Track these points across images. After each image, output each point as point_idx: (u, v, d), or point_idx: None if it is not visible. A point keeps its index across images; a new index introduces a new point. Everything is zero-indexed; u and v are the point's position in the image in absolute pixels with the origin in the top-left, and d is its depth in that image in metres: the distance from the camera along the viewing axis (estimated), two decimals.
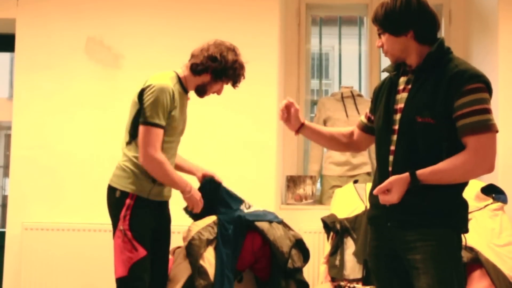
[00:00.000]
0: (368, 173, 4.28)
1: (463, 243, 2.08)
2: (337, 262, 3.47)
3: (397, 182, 1.99)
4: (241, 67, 2.78)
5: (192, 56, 2.76)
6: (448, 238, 2.02)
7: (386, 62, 4.50)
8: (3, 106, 4.70)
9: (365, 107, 4.27)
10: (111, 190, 2.69)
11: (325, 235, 3.68)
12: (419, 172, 1.96)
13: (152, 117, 2.56)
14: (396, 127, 2.09)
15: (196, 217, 3.06)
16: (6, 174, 5.95)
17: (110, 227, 2.72)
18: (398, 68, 2.19)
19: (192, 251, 2.96)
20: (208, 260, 3.05)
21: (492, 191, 3.49)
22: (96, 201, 3.93)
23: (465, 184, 2.07)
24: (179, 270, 2.98)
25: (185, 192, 2.76)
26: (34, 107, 4.04)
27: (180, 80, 2.74)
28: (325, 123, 4.35)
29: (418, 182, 1.96)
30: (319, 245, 3.95)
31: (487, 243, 3.21)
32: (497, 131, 1.97)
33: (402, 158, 2.06)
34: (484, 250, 3.14)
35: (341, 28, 4.87)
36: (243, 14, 4.04)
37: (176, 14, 4.06)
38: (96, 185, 3.94)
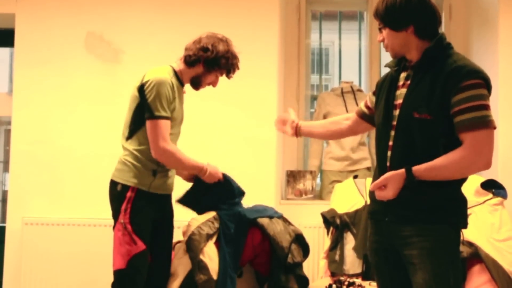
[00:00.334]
0: (368, 168, 4.28)
1: (461, 238, 2.08)
2: (337, 257, 3.48)
3: (392, 178, 1.99)
4: (234, 56, 2.79)
5: (186, 49, 2.80)
6: (445, 234, 2.01)
7: (386, 57, 4.49)
8: (3, 101, 4.70)
9: None
10: (113, 184, 2.73)
11: (325, 230, 3.69)
12: (415, 168, 1.96)
13: (158, 111, 2.60)
14: (395, 122, 2.09)
15: (195, 209, 3.07)
16: (6, 169, 5.96)
17: (111, 222, 2.73)
18: (399, 63, 2.19)
19: (192, 246, 2.96)
20: (208, 255, 3.05)
21: (492, 186, 3.49)
22: (96, 196, 3.92)
23: (463, 180, 2.07)
24: (179, 265, 2.98)
25: (203, 172, 2.84)
26: (34, 102, 4.04)
27: (176, 74, 2.77)
28: (325, 118, 4.35)
29: (414, 178, 1.96)
30: (319, 240, 3.96)
31: (486, 238, 3.22)
32: (494, 128, 1.96)
33: (400, 153, 2.06)
34: (483, 245, 3.15)
35: (341, 23, 4.86)
36: (243, 9, 4.04)
37: (176, 9, 4.05)
38: (96, 179, 3.95)
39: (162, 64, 2.80)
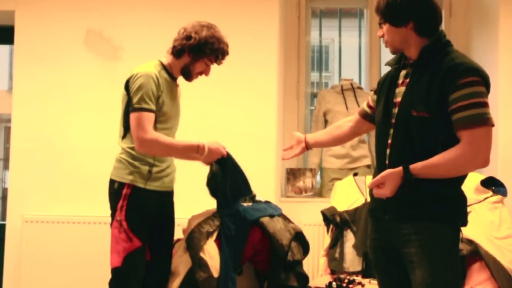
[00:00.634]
0: (368, 166, 4.28)
1: (461, 236, 2.08)
2: (337, 255, 3.48)
3: (390, 176, 1.99)
4: (219, 41, 2.72)
5: (172, 41, 2.78)
6: (443, 232, 2.02)
7: (386, 54, 4.49)
8: (3, 99, 4.69)
9: (365, 99, 4.25)
10: (110, 183, 2.72)
11: (325, 228, 3.69)
12: (412, 166, 1.97)
13: (139, 103, 2.57)
14: (394, 120, 2.09)
15: (219, 199, 2.99)
16: (6, 166, 5.95)
17: (110, 219, 2.73)
18: (399, 61, 2.19)
19: (192, 243, 2.97)
20: (209, 252, 3.05)
21: (492, 184, 3.50)
22: (96, 194, 3.93)
23: (462, 177, 2.07)
24: (179, 263, 2.99)
25: (200, 150, 2.71)
26: (33, 100, 4.03)
27: (165, 67, 2.74)
28: (325, 115, 4.35)
29: (411, 176, 1.96)
30: (318, 237, 3.96)
31: (486, 236, 3.22)
32: (492, 125, 1.95)
33: (398, 151, 2.06)
34: (483, 242, 3.15)
35: (341, 20, 4.85)
36: (243, 6, 4.03)
37: (175, 5, 4.05)
38: (96, 177, 3.94)
39: None
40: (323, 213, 3.65)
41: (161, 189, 2.76)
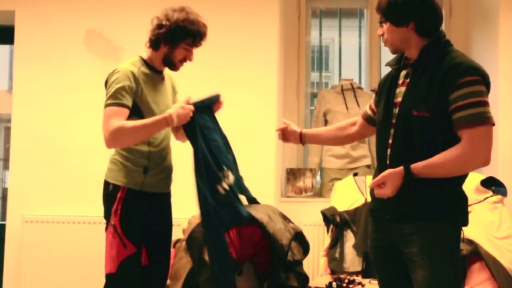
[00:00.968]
0: (368, 166, 4.28)
1: (462, 236, 2.08)
2: (337, 255, 3.48)
3: (391, 176, 1.99)
4: (192, 23, 2.56)
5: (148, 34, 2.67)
6: (445, 232, 2.02)
7: (386, 54, 4.49)
8: (3, 99, 4.70)
9: (365, 99, 4.27)
10: (105, 184, 2.62)
11: (325, 228, 3.69)
12: (413, 165, 1.97)
13: (108, 99, 2.47)
14: (394, 120, 2.09)
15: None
16: (6, 166, 5.96)
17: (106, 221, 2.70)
18: (400, 62, 2.19)
19: (193, 244, 2.97)
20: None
21: (492, 184, 3.50)
22: (96, 194, 3.88)
23: (463, 177, 2.07)
24: (180, 265, 2.98)
25: (170, 119, 2.46)
26: (33, 100, 4.03)
27: (146, 62, 2.62)
28: (325, 115, 4.35)
29: (412, 175, 1.97)
30: (319, 237, 3.96)
31: (486, 236, 3.22)
32: (493, 124, 1.96)
33: (399, 151, 2.06)
34: (483, 242, 3.15)
35: (341, 20, 4.85)
36: (243, 6, 4.03)
37: (175, 5, 4.04)
38: (96, 177, 3.91)
39: None
40: (323, 213, 3.65)
41: (158, 190, 2.66)
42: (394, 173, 1.99)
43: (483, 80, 1.97)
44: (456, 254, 2.05)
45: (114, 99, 2.46)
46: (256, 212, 3.27)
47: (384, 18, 2.12)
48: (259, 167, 3.94)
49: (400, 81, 2.14)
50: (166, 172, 2.71)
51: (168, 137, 2.74)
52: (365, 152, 4.32)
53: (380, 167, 2.13)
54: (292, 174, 4.29)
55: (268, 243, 3.17)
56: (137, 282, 2.58)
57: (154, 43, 2.59)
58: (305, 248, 3.36)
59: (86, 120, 4.00)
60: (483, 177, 3.50)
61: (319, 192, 4.37)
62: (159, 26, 2.56)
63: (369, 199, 2.28)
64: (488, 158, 1.95)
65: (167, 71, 2.73)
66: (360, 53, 4.81)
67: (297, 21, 4.55)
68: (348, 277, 3.29)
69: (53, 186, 3.98)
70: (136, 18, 4.04)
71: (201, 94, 3.93)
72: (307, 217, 4.02)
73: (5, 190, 6.02)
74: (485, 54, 4.06)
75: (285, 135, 2.60)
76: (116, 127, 2.41)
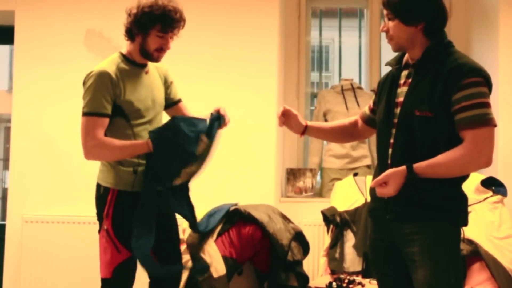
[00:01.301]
0: (368, 166, 4.28)
1: (462, 236, 2.08)
2: (337, 255, 3.48)
3: (393, 175, 1.99)
4: (159, 8, 2.42)
5: None
6: (446, 231, 2.02)
7: (386, 54, 4.49)
8: (3, 99, 4.69)
9: (365, 99, 4.27)
10: (97, 187, 2.57)
11: (325, 228, 3.69)
12: (416, 165, 1.97)
13: (86, 106, 2.41)
14: (396, 120, 2.09)
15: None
16: (6, 167, 5.95)
17: None
18: (400, 61, 2.18)
19: (192, 243, 2.97)
20: (209, 252, 3.06)
21: (492, 184, 3.50)
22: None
23: (464, 177, 2.07)
24: None
25: (150, 147, 2.44)
26: (33, 100, 4.03)
27: (126, 57, 2.53)
28: (325, 115, 4.35)
29: (415, 175, 1.96)
30: (319, 237, 3.96)
31: (486, 236, 3.22)
32: (495, 125, 1.97)
33: (400, 151, 2.06)
34: (483, 242, 3.15)
35: (341, 20, 4.85)
36: (243, 6, 4.03)
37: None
38: (95, 177, 3.94)
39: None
40: (323, 213, 3.65)
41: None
42: (396, 172, 1.99)
43: (486, 81, 1.98)
44: (457, 254, 2.06)
45: (91, 108, 2.40)
46: (256, 212, 3.28)
47: (393, 15, 2.08)
48: (259, 167, 3.94)
49: (402, 81, 2.13)
50: None
51: None
52: (365, 152, 4.32)
53: (381, 166, 2.13)
54: (292, 174, 4.29)
55: (268, 243, 3.18)
56: (132, 285, 2.52)
57: (128, 34, 2.51)
58: (305, 248, 3.37)
59: (81, 116, 3.99)
60: (483, 177, 3.50)
61: (319, 192, 4.37)
62: (129, 14, 2.47)
63: (369, 199, 2.28)
64: (490, 159, 1.96)
65: (153, 64, 2.64)
66: (360, 53, 4.81)
67: (297, 21, 4.55)
68: (348, 277, 3.28)
69: (53, 186, 3.98)
70: None
71: (200, 93, 3.93)
72: (307, 217, 4.02)
73: (5, 190, 6.02)
74: (485, 54, 4.06)
75: (287, 119, 2.47)
76: (98, 144, 2.39)
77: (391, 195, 2.00)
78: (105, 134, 2.45)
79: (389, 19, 2.09)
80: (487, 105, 1.95)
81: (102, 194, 2.51)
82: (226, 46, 4.01)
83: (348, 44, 5.08)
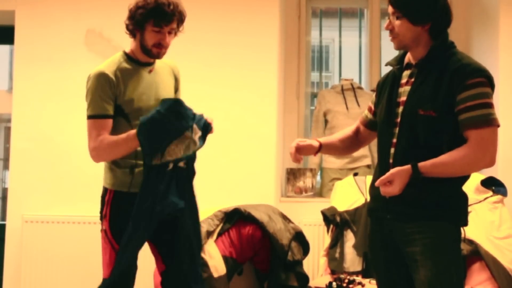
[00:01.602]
0: (368, 166, 4.28)
1: (462, 235, 2.08)
2: (337, 255, 3.48)
3: (398, 174, 1.99)
4: (151, 3, 2.38)
5: None
6: (447, 231, 2.02)
7: (386, 54, 4.49)
8: (3, 99, 4.70)
9: (365, 99, 4.27)
10: (103, 189, 2.55)
11: (325, 228, 3.69)
12: (421, 164, 1.97)
13: (88, 110, 2.45)
14: (398, 120, 2.09)
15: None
16: (6, 166, 5.96)
17: None
18: (401, 61, 2.18)
19: None
20: (209, 252, 3.06)
21: (492, 184, 3.50)
22: (96, 194, 3.89)
23: (465, 177, 2.08)
24: None
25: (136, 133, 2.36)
26: (33, 99, 4.03)
27: (129, 56, 2.51)
28: (325, 115, 4.35)
29: (420, 174, 1.96)
30: (319, 237, 3.95)
31: (486, 236, 3.22)
32: (498, 126, 1.98)
33: (403, 150, 2.06)
34: (483, 242, 3.15)
35: (341, 20, 4.85)
36: (243, 6, 4.03)
37: None
38: (96, 177, 3.91)
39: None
40: (323, 213, 3.65)
41: None
42: (401, 171, 1.98)
43: (488, 82, 1.99)
44: (458, 253, 2.06)
45: (93, 110, 2.43)
46: (256, 212, 3.28)
47: (401, 14, 2.06)
48: (259, 167, 3.94)
49: (404, 81, 2.13)
50: None
51: None
52: (365, 152, 4.32)
53: (382, 166, 2.12)
54: (292, 174, 4.28)
55: (268, 243, 3.18)
56: (132, 286, 2.48)
57: (130, 31, 2.48)
58: (305, 248, 3.37)
59: (86, 120, 3.99)
60: (483, 177, 3.50)
61: (319, 192, 4.37)
62: (128, 11, 2.46)
63: (369, 199, 2.27)
64: (494, 159, 1.99)
65: (168, 62, 2.64)
66: (360, 53, 4.81)
67: (297, 21, 4.55)
68: (348, 277, 3.28)
69: (53, 186, 3.98)
70: None
71: (200, 93, 3.93)
72: (307, 217, 4.02)
73: (5, 190, 6.02)
74: (485, 54, 4.06)
75: (299, 153, 2.43)
76: (97, 145, 2.42)
77: (396, 194, 2.00)
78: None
79: (397, 18, 2.07)
80: (490, 105, 1.96)
81: (102, 194, 2.51)
82: (226, 46, 4.01)
83: (348, 44, 5.07)
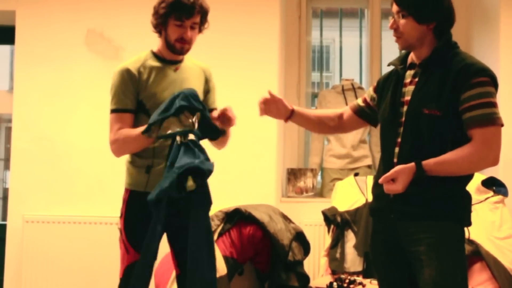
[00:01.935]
0: (369, 166, 4.28)
1: (466, 236, 2.09)
2: (338, 255, 3.48)
3: (402, 172, 1.99)
4: None
5: None
6: (452, 231, 2.02)
7: (387, 54, 4.49)
8: (4, 99, 4.69)
9: None
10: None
11: (326, 228, 3.69)
12: (425, 162, 1.97)
13: (110, 105, 2.46)
14: (403, 119, 2.09)
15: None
16: (7, 166, 5.96)
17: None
18: (405, 61, 2.18)
19: None
20: None
21: (493, 184, 3.50)
22: (97, 194, 3.93)
23: (469, 177, 2.09)
24: None
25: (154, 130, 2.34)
26: (34, 100, 4.03)
27: (155, 55, 2.52)
28: None
29: (423, 172, 1.97)
30: (319, 238, 3.95)
31: (487, 236, 3.22)
32: (502, 125, 2.00)
33: (408, 149, 2.06)
34: (484, 243, 3.15)
35: (342, 20, 4.85)
36: (243, 6, 4.03)
37: None
38: (97, 177, 3.95)
39: None
40: (324, 213, 3.65)
41: None
42: (405, 168, 1.98)
43: (492, 81, 2.01)
44: (463, 253, 2.06)
45: (114, 104, 2.45)
46: (257, 212, 3.28)
47: (407, 13, 2.06)
48: (260, 167, 3.94)
49: (408, 80, 2.13)
50: None
51: None
52: (366, 152, 4.32)
53: (386, 165, 2.12)
54: (293, 174, 4.28)
55: (268, 243, 3.18)
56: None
57: (156, 28, 2.50)
58: (305, 248, 3.37)
59: (86, 120, 4.00)
60: (484, 177, 3.50)
61: (320, 192, 4.37)
62: (153, 9, 2.48)
63: (370, 199, 2.27)
64: (497, 158, 2.00)
65: (200, 63, 2.65)
66: (361, 53, 4.80)
67: (298, 21, 4.55)
68: (349, 277, 3.29)
69: (54, 186, 3.98)
70: (136, 18, 4.04)
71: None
72: (308, 217, 4.02)
73: (5, 190, 6.02)
74: (486, 54, 4.06)
75: (269, 105, 2.43)
76: (114, 139, 2.41)
77: (399, 191, 2.00)
78: None
79: (403, 16, 2.07)
80: (494, 104, 1.99)
81: (123, 194, 2.50)
82: (227, 46, 4.01)
83: (348, 44, 5.07)
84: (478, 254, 3.08)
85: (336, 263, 3.47)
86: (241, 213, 3.26)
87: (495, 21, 3.96)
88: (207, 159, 2.33)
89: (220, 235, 3.19)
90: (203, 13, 2.50)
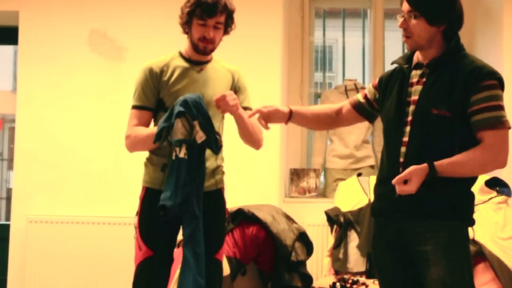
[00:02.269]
0: (372, 166, 4.28)
1: (471, 236, 2.09)
2: (341, 255, 3.48)
3: (416, 172, 1.98)
4: None
5: None
6: (458, 230, 2.03)
7: (389, 55, 4.49)
8: (7, 99, 4.71)
9: None
10: None
11: (329, 228, 3.69)
12: (437, 163, 1.97)
13: (132, 100, 2.50)
14: (409, 118, 2.08)
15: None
16: (10, 167, 5.97)
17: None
18: (410, 61, 2.18)
19: None
20: None
21: (496, 184, 3.49)
22: (100, 194, 3.93)
23: (476, 177, 2.10)
24: (178, 265, 2.98)
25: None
26: (37, 100, 4.04)
27: (182, 55, 2.54)
28: None
29: (436, 173, 1.97)
30: (322, 238, 3.95)
31: (491, 236, 3.22)
32: (510, 128, 2.00)
33: (416, 149, 2.06)
34: (488, 243, 3.14)
35: (344, 20, 4.85)
36: (246, 7, 4.02)
37: (179, 5, 4.04)
38: (100, 177, 3.95)
39: None
40: (327, 213, 3.65)
41: None
42: (418, 169, 1.98)
43: (500, 84, 2.01)
44: (469, 253, 2.06)
45: (134, 101, 2.48)
46: (260, 212, 3.28)
47: (419, 13, 2.04)
48: (263, 168, 3.94)
49: (414, 80, 2.12)
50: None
51: None
52: (369, 152, 4.32)
53: (391, 165, 2.11)
54: (296, 175, 4.28)
55: (272, 244, 3.18)
56: (157, 286, 2.41)
57: (182, 28, 2.52)
58: (308, 248, 3.37)
59: (90, 120, 4.01)
60: (487, 177, 3.49)
61: (323, 193, 4.37)
62: (180, 10, 2.51)
63: (373, 199, 2.27)
64: (506, 160, 2.00)
65: (229, 66, 2.66)
66: (364, 53, 4.80)
67: (301, 21, 4.55)
68: (352, 277, 3.29)
69: (57, 186, 3.99)
70: (140, 19, 4.05)
71: None
72: (311, 217, 4.02)
73: (9, 190, 6.04)
74: (489, 54, 4.05)
75: (269, 119, 2.40)
76: (127, 135, 2.45)
77: (413, 192, 1.99)
78: None
79: (414, 17, 2.05)
80: (502, 107, 1.99)
81: (140, 191, 2.51)
82: (229, 46, 3.98)
83: (351, 44, 5.07)
84: (482, 255, 3.08)
85: (339, 264, 3.47)
86: (244, 213, 3.26)
87: (498, 21, 3.96)
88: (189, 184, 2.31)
89: None
90: (228, 13, 2.53)
